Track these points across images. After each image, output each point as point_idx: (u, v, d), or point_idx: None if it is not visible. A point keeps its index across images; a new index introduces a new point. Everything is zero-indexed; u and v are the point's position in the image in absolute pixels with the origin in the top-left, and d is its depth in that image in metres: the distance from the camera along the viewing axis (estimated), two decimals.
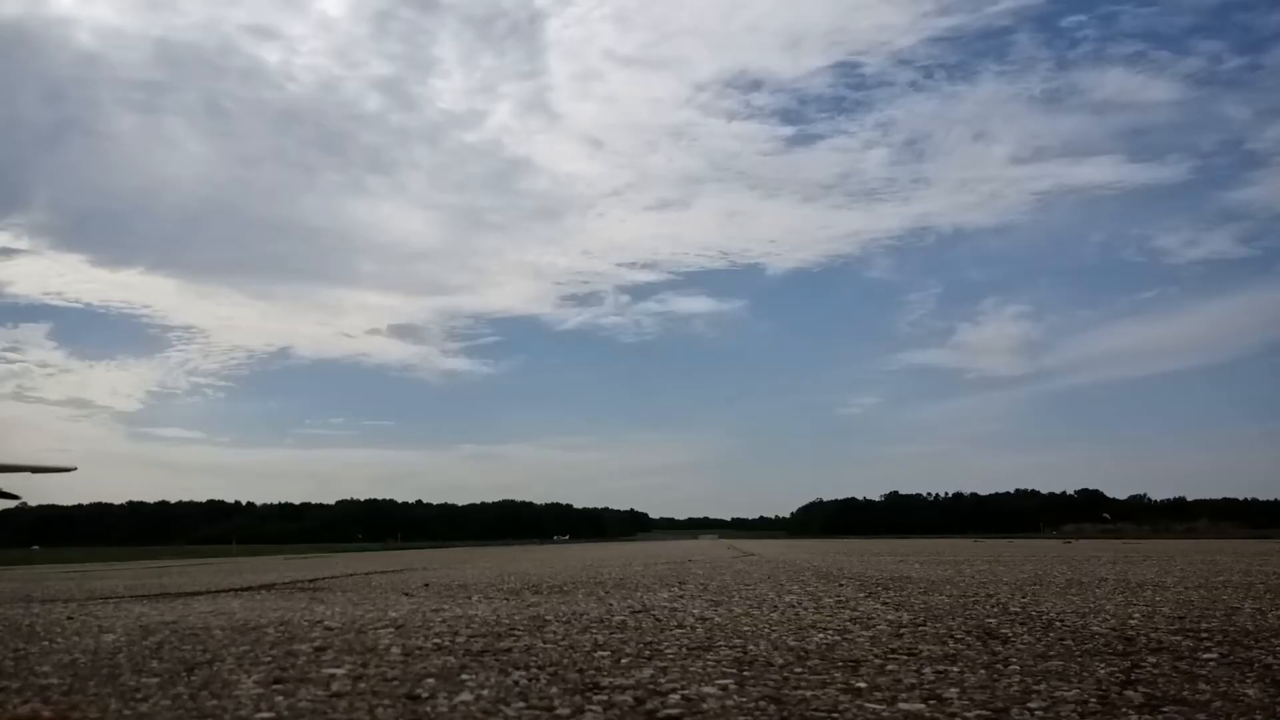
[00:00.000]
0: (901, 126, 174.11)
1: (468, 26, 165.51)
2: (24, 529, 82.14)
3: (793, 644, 2.70)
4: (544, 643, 2.79)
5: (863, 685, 2.02)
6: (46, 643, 3.03)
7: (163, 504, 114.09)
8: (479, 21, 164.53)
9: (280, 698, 1.94)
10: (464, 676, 2.17)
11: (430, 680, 2.12)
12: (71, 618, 4.00)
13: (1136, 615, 3.43)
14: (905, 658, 2.41)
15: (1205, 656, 2.38)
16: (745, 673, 2.20)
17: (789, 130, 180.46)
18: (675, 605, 4.10)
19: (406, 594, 5.25)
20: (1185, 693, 1.91)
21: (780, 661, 2.37)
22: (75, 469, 24.21)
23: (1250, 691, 1.92)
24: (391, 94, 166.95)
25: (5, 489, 22.75)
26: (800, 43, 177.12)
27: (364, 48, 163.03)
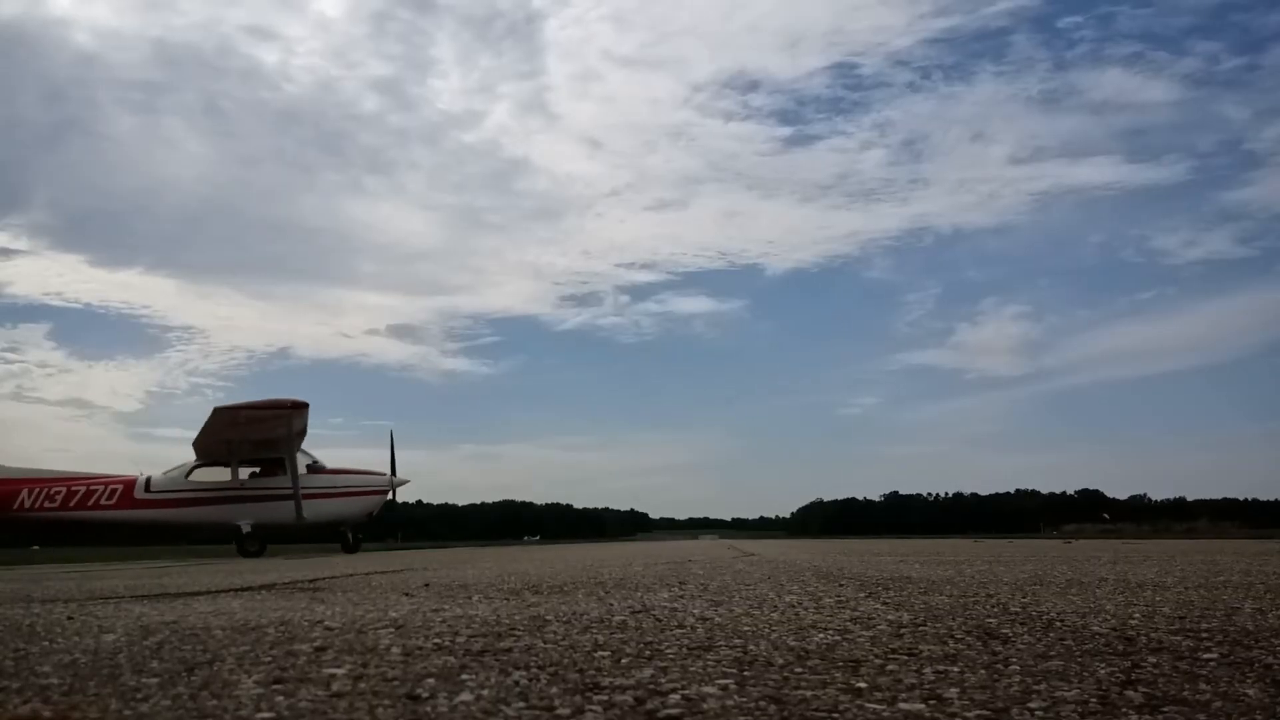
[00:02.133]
0: (899, 127, 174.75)
1: (466, 27, 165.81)
2: (24, 529, 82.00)
3: (793, 644, 2.70)
4: (544, 643, 2.79)
5: (863, 685, 2.02)
6: (46, 643, 3.03)
7: None
8: (477, 22, 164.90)
9: (280, 698, 1.94)
10: (464, 676, 2.17)
11: (430, 680, 2.12)
12: (71, 618, 4.00)
13: (1136, 615, 3.43)
14: (905, 658, 2.41)
15: (1205, 656, 2.38)
16: (745, 673, 2.19)
17: (787, 131, 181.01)
18: (675, 605, 4.09)
19: (406, 594, 5.24)
20: (1185, 693, 1.91)
21: (780, 661, 2.37)
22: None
23: (1250, 691, 1.92)
24: (390, 94, 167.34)
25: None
26: (798, 44, 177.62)
27: (362, 48, 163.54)
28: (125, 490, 22.35)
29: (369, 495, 23.86)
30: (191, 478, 22.74)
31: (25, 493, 22.13)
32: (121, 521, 23.31)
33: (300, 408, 20.77)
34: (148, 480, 22.53)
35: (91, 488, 22.41)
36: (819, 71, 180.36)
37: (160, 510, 22.52)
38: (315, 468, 23.29)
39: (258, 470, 22.91)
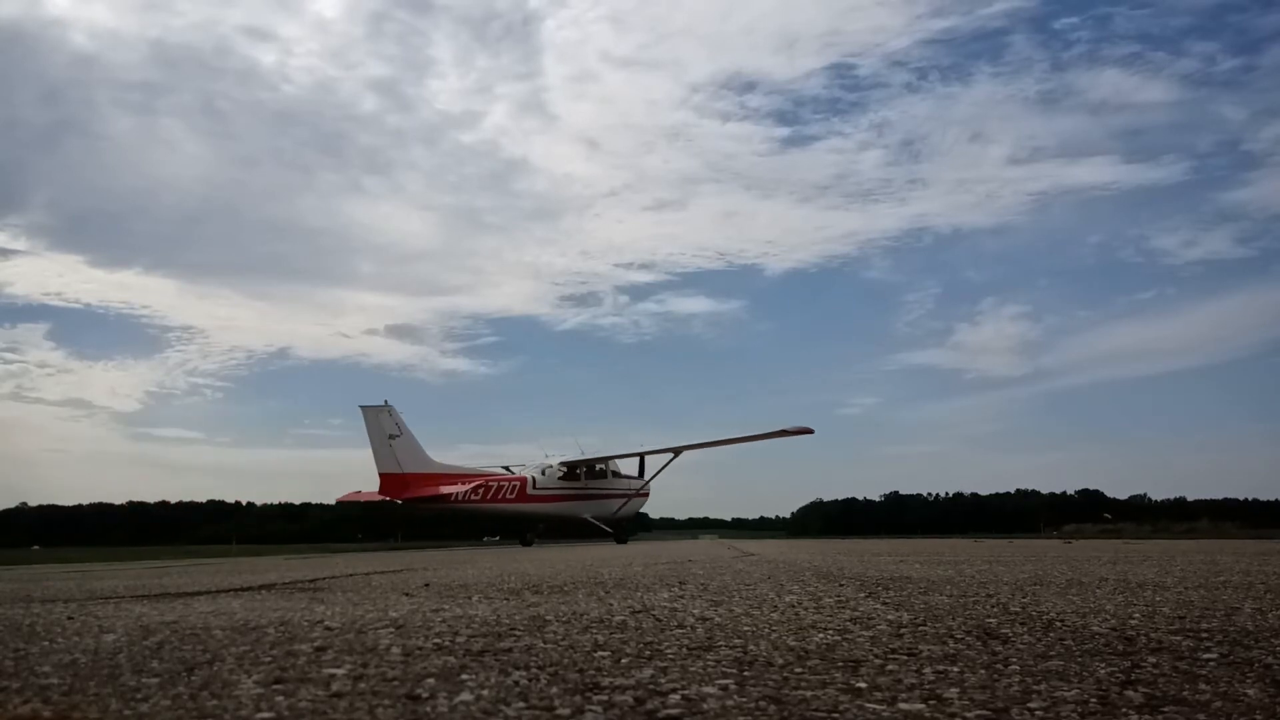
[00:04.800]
0: (897, 128, 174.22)
1: (463, 28, 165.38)
2: (24, 529, 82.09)
3: (793, 644, 2.70)
4: (544, 643, 2.79)
5: (863, 685, 2.02)
6: (46, 643, 3.03)
7: (163, 504, 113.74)
8: (474, 23, 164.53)
9: (280, 698, 1.94)
10: (464, 676, 2.17)
11: (430, 680, 2.12)
12: (71, 618, 4.00)
13: (1136, 615, 3.43)
14: (905, 658, 2.41)
15: (1205, 656, 2.38)
16: (745, 673, 2.20)
17: (784, 131, 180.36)
18: (675, 605, 4.10)
19: (406, 594, 5.24)
20: (1185, 693, 1.91)
21: (780, 661, 2.37)
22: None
23: (1250, 691, 1.92)
24: (388, 95, 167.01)
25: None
26: (795, 44, 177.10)
27: (360, 49, 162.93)
28: (521, 487, 25.99)
29: (642, 497, 28.12)
30: (560, 478, 26.46)
31: (458, 487, 25.34)
32: (518, 514, 26.73)
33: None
34: (533, 479, 26.21)
35: (500, 484, 25.94)
36: (816, 72, 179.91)
37: (541, 504, 26.18)
38: (618, 473, 27.32)
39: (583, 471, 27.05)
